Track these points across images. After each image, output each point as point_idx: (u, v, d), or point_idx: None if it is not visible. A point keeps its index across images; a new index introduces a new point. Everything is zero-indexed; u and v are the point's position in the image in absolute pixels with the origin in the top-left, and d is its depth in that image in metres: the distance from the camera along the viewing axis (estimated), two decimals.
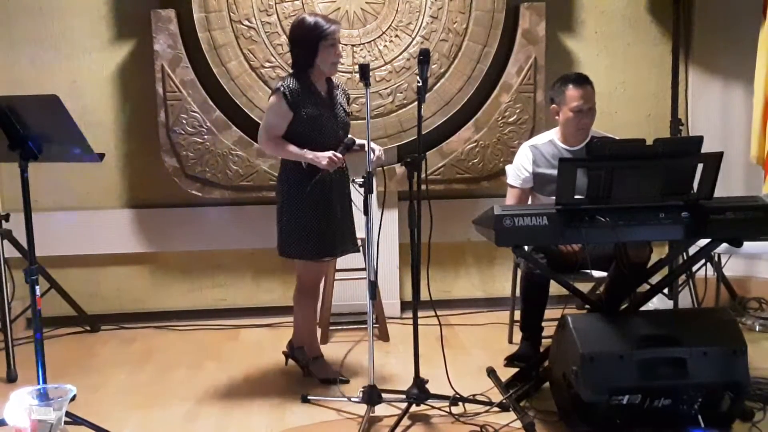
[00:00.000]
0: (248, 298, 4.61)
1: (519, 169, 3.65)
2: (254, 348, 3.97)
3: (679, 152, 2.84)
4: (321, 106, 3.26)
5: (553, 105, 3.59)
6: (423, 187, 2.99)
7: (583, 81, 3.52)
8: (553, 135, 3.64)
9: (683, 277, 4.13)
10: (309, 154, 3.18)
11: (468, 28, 4.29)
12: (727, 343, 2.74)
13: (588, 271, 3.60)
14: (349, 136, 3.30)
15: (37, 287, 2.74)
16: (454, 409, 3.08)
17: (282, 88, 3.22)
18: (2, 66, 4.28)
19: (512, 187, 3.70)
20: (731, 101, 4.56)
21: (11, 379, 3.56)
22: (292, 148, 3.22)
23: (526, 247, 3.33)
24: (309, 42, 3.20)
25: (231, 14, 4.18)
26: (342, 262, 4.11)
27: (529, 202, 3.71)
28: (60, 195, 4.41)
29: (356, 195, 3.23)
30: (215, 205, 4.45)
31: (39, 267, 2.87)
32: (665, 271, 3.53)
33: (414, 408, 3.07)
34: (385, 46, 4.27)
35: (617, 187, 2.75)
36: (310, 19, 3.24)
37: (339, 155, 3.17)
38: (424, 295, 3.07)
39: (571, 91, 3.49)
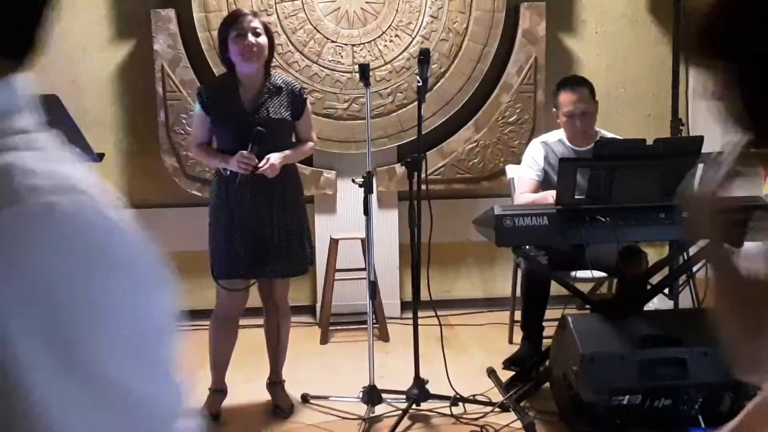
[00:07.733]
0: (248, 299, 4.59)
1: (532, 162, 3.59)
2: (254, 348, 3.96)
3: (680, 152, 2.84)
4: (236, 110, 2.99)
5: (554, 109, 3.59)
6: (423, 187, 2.99)
7: (576, 84, 3.49)
8: (562, 134, 3.62)
9: (683, 277, 4.12)
10: (221, 160, 2.99)
11: (468, 27, 4.29)
12: None
13: (589, 270, 3.59)
14: (257, 128, 2.90)
15: None
16: (455, 410, 3.08)
17: (199, 92, 3.07)
18: None
19: (528, 179, 3.60)
20: None
21: None
22: (211, 155, 3.06)
23: (526, 247, 3.33)
24: (221, 39, 3.00)
25: None
26: (342, 262, 4.11)
27: None
28: None
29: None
30: None
31: None
32: (665, 271, 3.53)
33: (414, 408, 3.07)
34: (385, 45, 4.26)
35: (617, 187, 2.75)
36: (225, 15, 3.09)
37: (245, 153, 2.89)
38: (424, 295, 3.07)
39: (563, 96, 3.48)
